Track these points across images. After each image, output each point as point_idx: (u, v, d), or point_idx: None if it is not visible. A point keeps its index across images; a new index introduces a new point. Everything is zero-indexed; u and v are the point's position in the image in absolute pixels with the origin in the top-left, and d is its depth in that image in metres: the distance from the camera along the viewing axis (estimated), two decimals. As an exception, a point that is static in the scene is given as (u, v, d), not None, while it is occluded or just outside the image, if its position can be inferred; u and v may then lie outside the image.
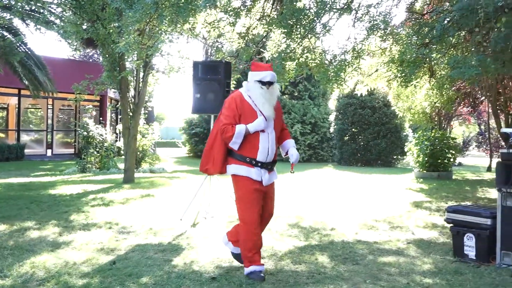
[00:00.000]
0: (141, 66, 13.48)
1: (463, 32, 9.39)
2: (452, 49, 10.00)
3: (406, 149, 18.75)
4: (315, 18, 8.54)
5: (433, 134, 16.84)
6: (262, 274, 4.83)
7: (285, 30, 8.57)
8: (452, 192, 12.64)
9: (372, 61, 11.01)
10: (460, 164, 25.44)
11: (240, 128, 4.81)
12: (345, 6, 9.18)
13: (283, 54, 8.73)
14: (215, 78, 8.11)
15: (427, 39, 8.99)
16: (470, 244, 5.75)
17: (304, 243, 6.51)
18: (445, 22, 8.10)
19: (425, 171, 16.71)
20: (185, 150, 29.96)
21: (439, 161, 16.77)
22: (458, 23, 8.00)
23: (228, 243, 5.32)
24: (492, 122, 21.63)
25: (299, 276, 5.02)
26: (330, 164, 24.09)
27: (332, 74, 8.81)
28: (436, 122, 19.29)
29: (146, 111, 20.81)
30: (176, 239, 6.64)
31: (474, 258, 5.69)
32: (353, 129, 24.13)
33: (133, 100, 13.88)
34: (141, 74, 14.07)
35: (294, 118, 25.20)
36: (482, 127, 30.14)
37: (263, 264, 4.97)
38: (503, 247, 5.49)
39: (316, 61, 9.17)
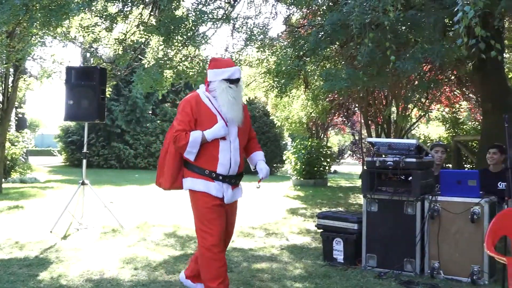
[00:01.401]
0: (10, 70, 12.71)
1: (335, 45, 9.88)
2: (325, 61, 10.47)
3: (284, 157, 19.29)
4: (193, 27, 8.56)
5: (309, 143, 17.46)
6: None
7: (163, 38, 8.50)
8: (326, 198, 13.18)
9: (251, 71, 11.24)
10: (335, 171, 26.61)
11: (195, 136, 4.02)
12: (224, 17, 9.31)
13: (160, 62, 8.65)
14: (89, 85, 7.85)
15: (301, 52, 9.34)
16: (338, 248, 6.01)
17: (180, 253, 6.46)
18: (319, 35, 8.46)
19: (302, 179, 17.27)
20: (60, 159, 28.66)
21: (315, 168, 17.42)
22: (330, 37, 8.39)
23: (186, 281, 4.61)
24: (365, 132, 22.87)
25: (172, 286, 4.97)
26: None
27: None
28: (313, 131, 20.06)
29: (17, 118, 19.68)
30: (44, 252, 6.31)
31: (342, 261, 5.95)
32: (234, 138, 24.37)
33: (1, 106, 13.05)
34: (11, 79, 13.27)
35: (175, 126, 25.05)
36: (356, 136, 31.78)
37: None
38: (368, 250, 5.80)
39: (194, 70, 9.19)
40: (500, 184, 6.34)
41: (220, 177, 4.10)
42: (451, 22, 5.08)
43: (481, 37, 4.53)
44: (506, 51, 13.75)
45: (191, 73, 9.56)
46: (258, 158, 4.43)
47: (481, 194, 5.44)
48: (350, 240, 5.93)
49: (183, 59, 9.47)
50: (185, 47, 9.26)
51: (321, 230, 6.25)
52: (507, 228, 3.65)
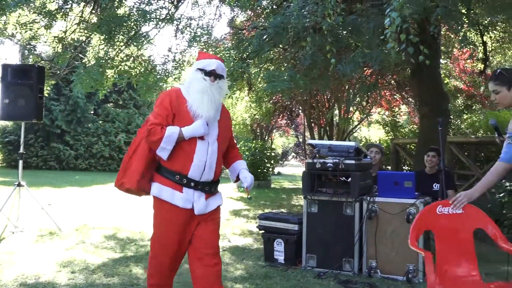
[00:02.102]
0: None
1: (279, 48, 9.97)
2: (268, 64, 10.55)
3: (228, 159, 19.25)
4: (135, 27, 8.45)
5: (253, 145, 17.55)
6: None
7: (104, 37, 8.36)
8: (269, 200, 13.27)
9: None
10: (279, 173, 26.83)
11: (171, 131, 3.54)
12: (167, 17, 9.24)
13: (101, 61, 8.50)
14: (26, 83, 7.62)
15: (245, 54, 9.37)
16: (279, 249, 6.07)
17: (120, 255, 6.35)
18: (262, 38, 8.52)
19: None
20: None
21: (259, 170, 17.52)
22: (274, 39, 8.47)
23: None
24: (308, 134, 23.18)
25: (111, 289, 4.89)
26: (155, 174, 23.91)
27: (152, 83, 8.78)
28: (257, 133, 20.17)
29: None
30: (-23, 256, 6.08)
31: (283, 262, 6.01)
32: (178, 139, 24.20)
33: None
34: None
35: (118, 127, 24.65)
36: (300, 138, 32.16)
37: None
38: (308, 250, 5.88)
39: (136, 70, 9.08)
40: (435, 186, 6.55)
41: (192, 184, 3.59)
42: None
43: (410, 42, 4.68)
44: (443, 56, 14.24)
45: (133, 73, 9.44)
46: (241, 167, 3.96)
47: (417, 195, 5.61)
48: (290, 241, 6.00)
49: (125, 58, 9.33)
50: (127, 47, 9.13)
51: (263, 231, 6.29)
52: (430, 223, 3.80)
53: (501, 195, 8.04)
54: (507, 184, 8.18)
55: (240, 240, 7.63)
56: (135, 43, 9.01)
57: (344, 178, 5.93)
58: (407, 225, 5.39)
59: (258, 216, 6.46)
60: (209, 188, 3.70)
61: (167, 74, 8.94)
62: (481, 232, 3.73)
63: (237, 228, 8.63)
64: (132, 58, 9.36)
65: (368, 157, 6.32)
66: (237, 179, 3.96)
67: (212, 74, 3.63)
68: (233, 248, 6.97)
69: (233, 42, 10.26)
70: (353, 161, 5.73)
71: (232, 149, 4.01)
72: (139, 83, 9.04)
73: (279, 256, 6.06)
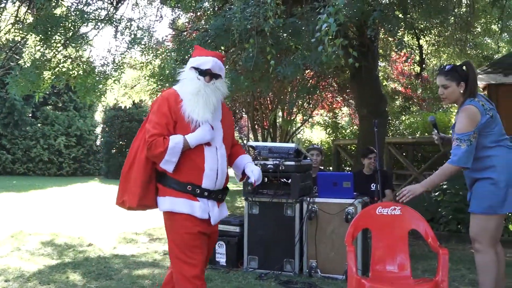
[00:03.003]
0: None
1: (220, 50, 9.96)
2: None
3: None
4: (73, 27, 8.26)
5: (197, 147, 17.40)
6: None
7: (40, 37, 8.13)
8: (213, 202, 13.20)
9: (135, 74, 11.05)
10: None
11: (175, 141, 3.21)
12: (106, 18, 9.08)
13: (38, 63, 8.26)
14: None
15: (187, 56, 9.31)
16: (221, 252, 6.06)
17: (57, 262, 6.19)
18: (203, 40, 8.49)
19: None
20: None
21: (203, 173, 17.39)
22: (215, 41, 8.45)
23: None
24: (252, 136, 23.24)
25: (47, 297, 4.76)
26: (96, 178, 23.47)
27: (91, 85, 8.60)
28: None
29: None
30: None
31: (225, 264, 6.01)
32: (120, 142, 23.87)
33: None
34: None
35: (58, 130, 24.03)
36: (244, 140, 32.21)
37: None
38: (249, 252, 5.90)
39: (74, 72, 8.87)
40: (372, 186, 6.70)
41: (205, 193, 3.31)
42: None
43: (337, 45, 4.80)
44: (381, 59, 14.60)
45: (72, 75, 9.21)
46: (246, 161, 3.65)
47: (355, 195, 5.73)
48: (232, 243, 6.00)
49: (63, 60, 9.10)
50: (65, 48, 8.91)
51: (204, 234, 6.26)
52: (369, 222, 3.94)
53: (436, 194, 8.30)
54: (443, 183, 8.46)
55: (182, 243, 7.57)
56: (73, 44, 8.80)
57: (284, 179, 5.98)
58: (346, 225, 5.47)
59: (200, 218, 6.42)
60: (222, 195, 3.46)
61: (106, 76, 8.77)
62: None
63: (179, 231, 8.55)
64: (70, 60, 9.13)
65: (308, 158, 6.40)
66: (243, 176, 3.68)
67: (208, 74, 3.31)
68: (174, 252, 6.90)
69: (175, 44, 10.17)
70: (293, 163, 5.79)
71: (234, 146, 3.70)
72: (78, 85, 8.83)
73: (221, 258, 6.05)
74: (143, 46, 9.16)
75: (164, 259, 6.44)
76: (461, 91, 3.97)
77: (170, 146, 3.18)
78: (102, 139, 24.46)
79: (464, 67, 4.07)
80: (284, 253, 5.75)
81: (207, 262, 3.53)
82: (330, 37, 5.06)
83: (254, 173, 3.51)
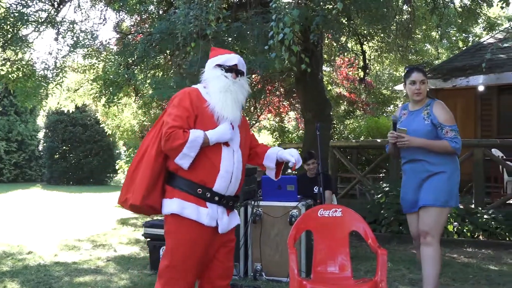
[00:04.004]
0: None
1: (166, 54, 9.90)
2: (155, 70, 10.44)
3: (117, 167, 18.80)
4: (12, 29, 8.03)
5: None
6: None
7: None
8: (159, 207, 13.06)
9: (79, 77, 10.84)
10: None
11: (195, 135, 3.02)
12: (47, 20, 8.87)
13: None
14: None
15: (131, 59, 9.21)
16: (165, 257, 5.99)
17: (-6, 271, 5.99)
18: (147, 44, 8.41)
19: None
20: None
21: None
22: (159, 45, 8.39)
23: None
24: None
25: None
26: (38, 184, 22.82)
27: (31, 89, 8.38)
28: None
29: None
30: None
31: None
32: (64, 147, 23.32)
33: None
34: None
35: (-3, 135, 23.28)
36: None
37: None
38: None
39: (14, 75, 8.62)
40: (315, 189, 6.78)
41: (216, 198, 3.11)
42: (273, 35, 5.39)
43: (293, 51, 4.88)
44: (326, 64, 14.83)
45: (11, 78, 8.95)
46: (276, 150, 3.45)
47: (299, 198, 5.78)
48: (177, 248, 5.94)
49: (1, 63, 8.83)
50: (4, 51, 8.64)
51: (148, 239, 6.19)
52: (311, 225, 3.99)
53: (379, 196, 8.49)
54: (384, 185, 8.66)
55: (127, 249, 7.46)
56: (12, 47, 8.54)
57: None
58: (290, 228, 5.52)
59: (144, 224, 6.35)
60: (233, 203, 3.26)
61: (47, 80, 8.56)
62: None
63: (124, 237, 8.43)
64: (9, 63, 8.87)
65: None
66: (279, 167, 3.48)
67: (234, 70, 3.21)
68: (118, 258, 6.80)
69: (119, 47, 10.04)
70: (237, 166, 5.79)
71: (258, 145, 3.52)
72: (18, 89, 8.58)
73: (166, 263, 5.99)
74: (86, 49, 8.99)
75: (107, 266, 6.33)
76: (428, 89, 4.32)
77: (191, 139, 2.99)
78: (44, 144, 23.83)
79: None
80: (229, 257, 5.74)
81: (228, 274, 3.32)
82: (287, 46, 5.14)
83: (293, 153, 3.35)
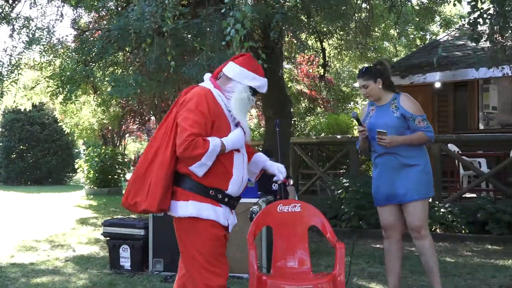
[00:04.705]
0: None
1: (125, 51, 9.78)
2: (115, 67, 10.30)
3: (77, 166, 18.52)
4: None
5: (103, 151, 17.00)
6: None
7: None
8: (120, 206, 12.91)
9: (35, 75, 10.62)
10: (132, 179, 26.21)
11: (215, 144, 2.99)
12: (1, 16, 8.66)
13: None
14: None
15: (89, 56, 9.04)
16: (125, 255, 5.93)
17: None
18: (106, 40, 8.29)
19: (95, 188, 16.74)
20: None
21: (110, 177, 17.02)
22: (118, 42, 8.28)
23: None
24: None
25: None
26: (-5, 185, 22.29)
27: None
28: (109, 139, 19.58)
29: None
30: None
31: (129, 268, 5.89)
32: (21, 146, 22.80)
33: None
34: None
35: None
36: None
37: None
38: (154, 255, 5.82)
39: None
40: (274, 185, 6.80)
41: (226, 199, 3.14)
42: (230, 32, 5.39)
43: (251, 47, 4.89)
44: (286, 61, 14.90)
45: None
46: (264, 159, 3.51)
47: (259, 195, 5.80)
48: (137, 246, 5.90)
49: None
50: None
51: (108, 238, 6.11)
52: (270, 220, 4.03)
53: (339, 191, 8.58)
54: (345, 181, 8.75)
55: (86, 249, 7.36)
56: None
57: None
58: (250, 224, 5.55)
59: (103, 222, 6.28)
60: (237, 203, 3.31)
61: (2, 77, 8.33)
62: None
63: (83, 237, 8.31)
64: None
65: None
66: (260, 173, 3.57)
67: (257, 94, 3.25)
68: (77, 258, 6.70)
69: (76, 44, 9.87)
70: (197, 164, 5.77)
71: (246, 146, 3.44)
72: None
73: (125, 262, 5.93)
74: (42, 46, 8.80)
75: (66, 266, 6.23)
76: (380, 87, 4.34)
77: (210, 148, 2.95)
78: (1, 144, 23.23)
79: (377, 66, 4.48)
80: (190, 255, 5.71)
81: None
82: (239, 42, 5.14)
83: (280, 169, 3.41)
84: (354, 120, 4.53)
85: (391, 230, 4.42)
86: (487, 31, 5.28)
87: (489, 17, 5.00)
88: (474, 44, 5.68)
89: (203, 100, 3.04)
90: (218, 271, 3.05)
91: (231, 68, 3.19)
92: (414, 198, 4.23)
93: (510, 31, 5.16)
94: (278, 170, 3.40)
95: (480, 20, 5.05)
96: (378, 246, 7.26)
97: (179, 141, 2.97)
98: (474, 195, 9.22)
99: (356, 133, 14.99)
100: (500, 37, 5.81)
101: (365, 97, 4.49)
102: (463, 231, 7.70)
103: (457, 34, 12.76)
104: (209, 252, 3.04)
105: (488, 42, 5.53)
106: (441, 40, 13.38)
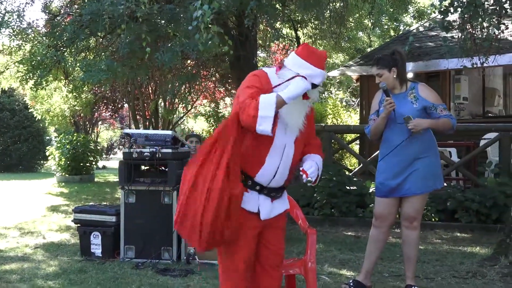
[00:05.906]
0: None
1: (97, 36, 9.64)
2: (87, 52, 10.16)
3: (48, 153, 18.24)
4: None
5: (75, 138, 16.76)
6: None
7: None
8: (92, 194, 12.81)
9: (4, 60, 10.42)
10: (104, 167, 26.01)
11: (265, 96, 2.81)
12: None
13: None
14: None
15: (60, 42, 8.90)
16: (96, 242, 5.88)
17: None
18: (77, 25, 8.16)
19: (67, 175, 16.51)
20: None
21: (81, 164, 16.80)
22: (89, 27, 8.16)
23: None
24: (134, 126, 22.81)
25: None
26: (-37, 172, 21.86)
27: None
28: (81, 126, 19.34)
29: None
30: None
31: (100, 255, 5.84)
32: (-10, 134, 22.41)
33: None
34: None
35: None
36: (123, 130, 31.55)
37: None
38: (126, 242, 5.78)
39: None
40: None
41: (257, 187, 2.98)
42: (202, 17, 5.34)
43: (218, 34, 4.85)
44: (260, 50, 14.88)
45: None
46: (310, 158, 3.12)
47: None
48: (108, 233, 5.84)
49: None
50: None
51: (78, 225, 6.05)
52: None
53: (312, 179, 8.61)
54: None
55: (56, 236, 7.27)
56: None
57: (162, 167, 5.93)
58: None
59: (73, 209, 6.21)
60: (276, 193, 3.07)
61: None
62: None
63: (53, 224, 8.21)
64: None
65: (186, 145, 6.38)
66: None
67: (314, 87, 2.97)
68: (47, 245, 6.61)
69: (47, 28, 9.70)
70: (170, 150, 5.75)
71: (310, 145, 3.20)
72: None
73: (96, 249, 5.88)
74: (12, 30, 8.63)
75: (35, 253, 6.15)
76: (394, 76, 4.27)
77: (261, 100, 2.76)
78: (-31, 131, 22.80)
79: (393, 55, 4.33)
80: (161, 241, 5.70)
81: (272, 268, 3.14)
82: (206, 24, 5.10)
83: (306, 168, 3.01)
84: (382, 92, 4.40)
85: (383, 221, 4.44)
86: (458, 22, 5.35)
87: (460, 5, 5.05)
88: (445, 33, 5.74)
89: (256, 78, 2.98)
90: (236, 255, 2.96)
91: (289, 59, 3.03)
92: (418, 192, 4.28)
93: (480, 19, 5.23)
94: (310, 167, 3.01)
95: (451, 8, 5.10)
96: (349, 233, 7.34)
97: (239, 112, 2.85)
98: (444, 184, 9.35)
99: (329, 121, 15.09)
100: (470, 27, 5.88)
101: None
102: (433, 219, 7.81)
103: (430, 25, 12.87)
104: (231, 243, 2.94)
105: (459, 32, 5.60)
106: (414, 30, 13.49)
